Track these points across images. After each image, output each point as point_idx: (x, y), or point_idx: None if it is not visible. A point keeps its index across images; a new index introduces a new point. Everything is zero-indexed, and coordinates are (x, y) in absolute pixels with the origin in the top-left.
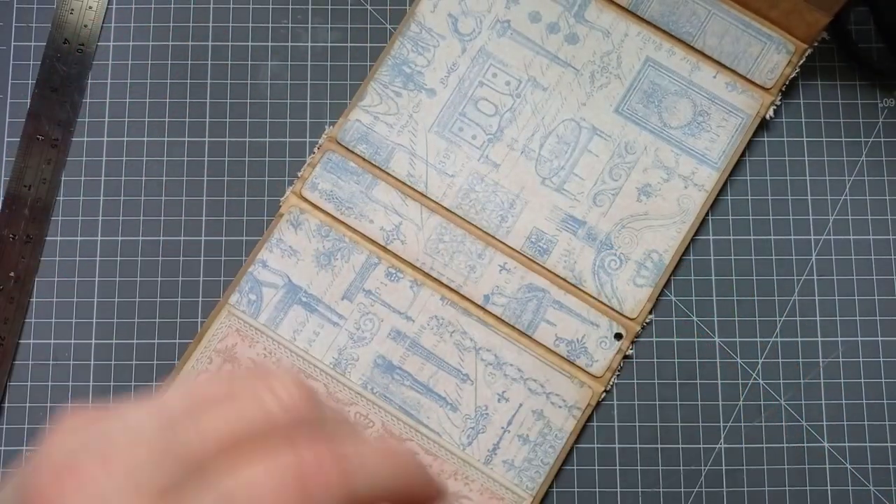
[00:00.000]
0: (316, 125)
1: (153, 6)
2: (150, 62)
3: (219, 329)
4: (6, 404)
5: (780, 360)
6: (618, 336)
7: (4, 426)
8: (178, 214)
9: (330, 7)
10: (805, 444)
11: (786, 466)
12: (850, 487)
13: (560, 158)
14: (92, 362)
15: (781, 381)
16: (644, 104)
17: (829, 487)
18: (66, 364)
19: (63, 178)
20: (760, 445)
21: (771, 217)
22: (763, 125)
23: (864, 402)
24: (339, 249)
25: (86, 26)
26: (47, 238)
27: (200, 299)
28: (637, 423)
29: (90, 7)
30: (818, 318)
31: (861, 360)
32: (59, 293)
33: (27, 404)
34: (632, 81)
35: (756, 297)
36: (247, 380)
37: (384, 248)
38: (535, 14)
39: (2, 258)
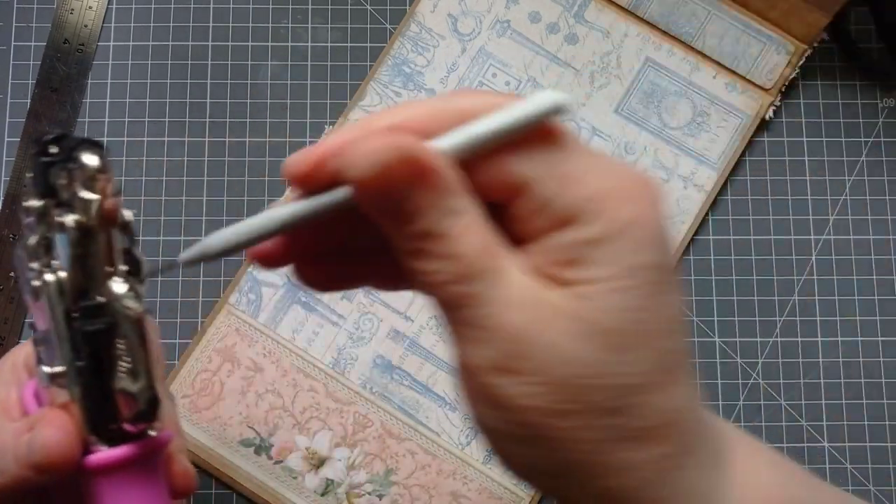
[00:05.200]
0: (316, 125)
1: (153, 6)
2: (150, 62)
3: (218, 328)
4: None
5: (780, 360)
6: None
7: None
8: (178, 214)
9: (330, 7)
10: (805, 445)
11: None
12: (850, 487)
13: None
14: None
15: (781, 381)
16: (644, 104)
17: None
18: None
19: None
20: None
21: (771, 217)
22: (763, 125)
23: (864, 402)
24: None
25: (86, 26)
26: None
27: (200, 299)
28: None
29: (90, 7)
30: (818, 318)
31: (861, 360)
32: None
33: None
34: (631, 82)
35: (756, 297)
36: None
37: None
38: (535, 14)
39: (2, 258)
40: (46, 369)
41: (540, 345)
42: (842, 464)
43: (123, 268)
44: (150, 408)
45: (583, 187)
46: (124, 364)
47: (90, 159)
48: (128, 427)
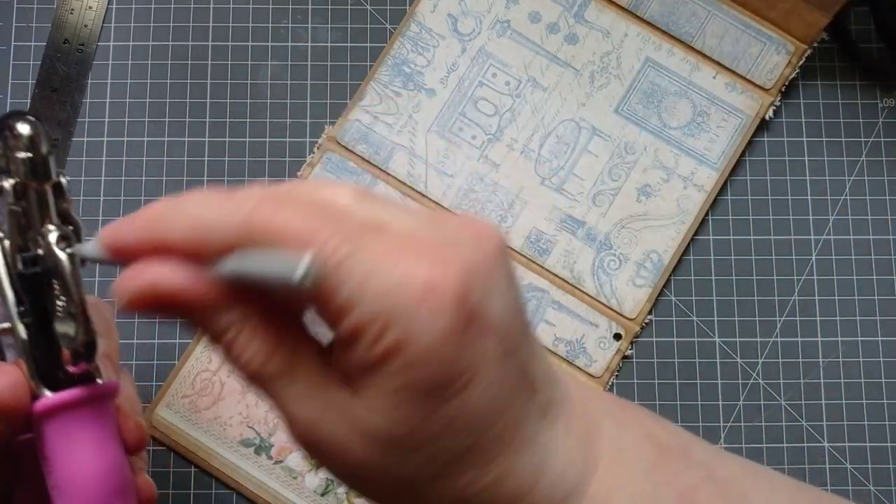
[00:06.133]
0: (316, 125)
1: (153, 6)
2: (150, 62)
3: None
4: None
5: (780, 360)
6: (617, 336)
7: None
8: None
9: (330, 7)
10: (805, 444)
11: (786, 466)
12: (850, 487)
13: (560, 159)
14: None
15: (781, 381)
16: (644, 104)
17: (829, 487)
18: None
19: None
20: (760, 445)
21: (771, 217)
22: (763, 125)
23: (864, 402)
24: None
25: (86, 26)
26: None
27: None
28: None
29: (90, 7)
30: (818, 318)
31: (861, 360)
32: None
33: None
34: (631, 82)
35: (756, 297)
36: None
37: None
38: (535, 14)
39: None
40: None
41: (325, 440)
42: (842, 464)
43: (58, 223)
44: (88, 346)
45: (354, 312)
46: (61, 306)
47: (23, 128)
48: (71, 369)
